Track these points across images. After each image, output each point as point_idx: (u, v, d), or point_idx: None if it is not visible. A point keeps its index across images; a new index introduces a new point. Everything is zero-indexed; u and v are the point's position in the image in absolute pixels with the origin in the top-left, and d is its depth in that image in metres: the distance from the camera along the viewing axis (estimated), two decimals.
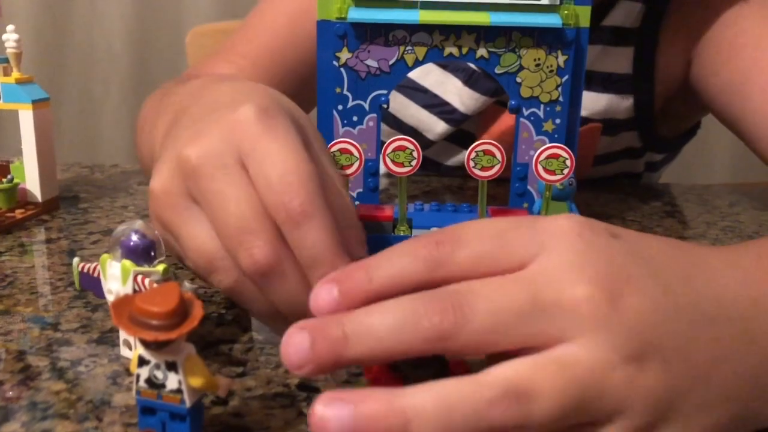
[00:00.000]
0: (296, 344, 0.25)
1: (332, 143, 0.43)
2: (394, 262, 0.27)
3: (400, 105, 0.74)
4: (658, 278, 0.26)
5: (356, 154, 0.43)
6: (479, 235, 0.27)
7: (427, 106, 0.73)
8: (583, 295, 0.25)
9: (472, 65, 0.70)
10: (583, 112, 0.70)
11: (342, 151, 0.43)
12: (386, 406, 0.23)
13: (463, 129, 0.73)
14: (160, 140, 0.41)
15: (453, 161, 0.76)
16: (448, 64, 0.71)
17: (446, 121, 0.71)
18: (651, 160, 0.78)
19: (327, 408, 0.23)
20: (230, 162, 0.32)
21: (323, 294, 0.27)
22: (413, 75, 0.72)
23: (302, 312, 0.29)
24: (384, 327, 0.25)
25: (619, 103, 0.69)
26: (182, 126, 0.37)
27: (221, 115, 0.34)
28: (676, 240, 0.30)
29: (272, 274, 0.31)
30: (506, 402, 0.23)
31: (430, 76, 0.72)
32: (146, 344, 0.26)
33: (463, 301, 0.25)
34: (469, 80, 0.70)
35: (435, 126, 0.72)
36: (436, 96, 0.72)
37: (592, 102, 0.69)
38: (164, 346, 0.26)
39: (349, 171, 0.43)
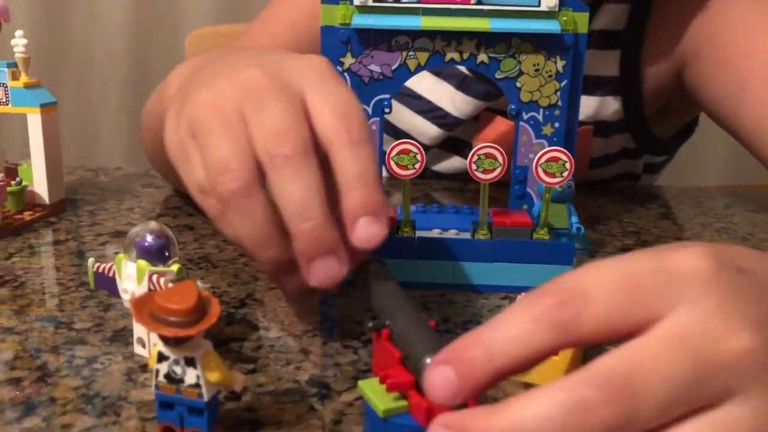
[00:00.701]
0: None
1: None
2: (513, 333, 0.24)
3: (395, 111, 0.75)
4: None
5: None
6: (605, 288, 0.24)
7: (421, 112, 0.74)
8: (742, 347, 0.22)
9: (464, 70, 0.71)
10: None
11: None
12: None
13: (455, 136, 0.74)
14: (173, 95, 0.42)
15: (444, 167, 0.77)
16: (441, 71, 0.73)
17: (439, 125, 0.73)
18: (650, 162, 0.79)
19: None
20: (230, 110, 0.34)
21: (438, 379, 0.24)
22: (408, 83, 0.73)
23: (265, 243, 0.32)
24: (551, 425, 0.22)
25: (609, 106, 0.70)
26: (194, 80, 0.39)
27: (231, 71, 0.36)
28: None
29: (240, 208, 0.33)
30: None
31: (423, 83, 0.73)
32: (166, 340, 0.27)
33: (630, 386, 0.22)
34: (461, 84, 0.71)
35: (428, 130, 0.73)
36: (429, 102, 0.73)
37: (582, 105, 0.70)
38: (183, 342, 0.27)
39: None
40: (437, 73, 0.73)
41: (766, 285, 0.25)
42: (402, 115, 0.75)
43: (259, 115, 0.33)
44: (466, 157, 0.52)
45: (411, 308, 0.32)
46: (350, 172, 0.33)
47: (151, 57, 1.71)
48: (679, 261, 0.24)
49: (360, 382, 0.30)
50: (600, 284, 0.24)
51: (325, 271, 0.33)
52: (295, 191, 0.32)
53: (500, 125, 0.71)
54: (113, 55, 1.69)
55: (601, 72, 0.69)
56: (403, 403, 0.29)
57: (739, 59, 0.62)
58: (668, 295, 0.23)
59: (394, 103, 0.77)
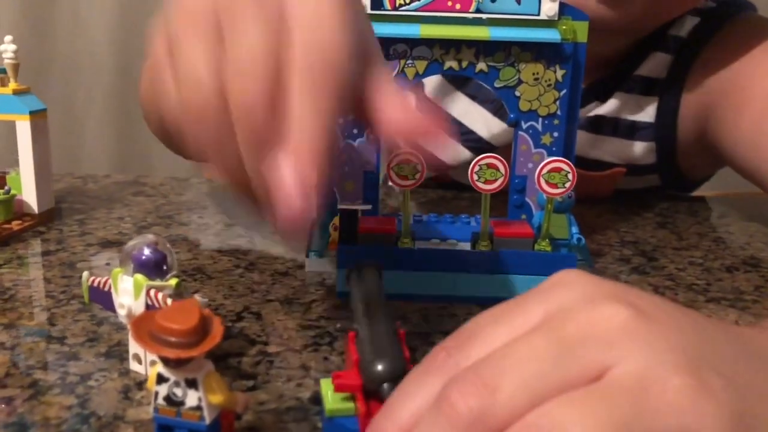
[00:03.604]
0: None
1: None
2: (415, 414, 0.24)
3: None
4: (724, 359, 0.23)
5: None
6: (529, 367, 0.23)
7: (453, 134, 0.73)
8: (681, 384, 0.21)
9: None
10: (609, 158, 0.73)
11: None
12: None
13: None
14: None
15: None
16: (477, 95, 0.72)
17: (471, 149, 0.72)
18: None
19: None
20: (202, 21, 0.30)
21: None
22: (439, 103, 0.73)
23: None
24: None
25: (643, 150, 0.72)
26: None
27: None
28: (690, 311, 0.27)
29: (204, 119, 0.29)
30: None
31: (456, 105, 0.73)
32: (167, 362, 0.27)
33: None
34: (499, 111, 0.71)
35: (459, 153, 0.72)
36: (461, 125, 0.72)
37: (618, 149, 0.72)
38: (185, 363, 0.26)
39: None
40: (473, 97, 0.72)
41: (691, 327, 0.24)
42: None
43: (232, 36, 0.30)
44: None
45: (379, 314, 0.33)
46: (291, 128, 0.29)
47: (137, 62, 1.69)
48: (594, 314, 0.24)
49: (322, 380, 0.30)
50: (523, 363, 0.23)
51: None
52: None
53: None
54: (98, 61, 1.68)
55: (639, 117, 0.71)
56: (350, 405, 0.29)
57: (755, 103, 0.63)
58: (606, 359, 0.22)
59: None
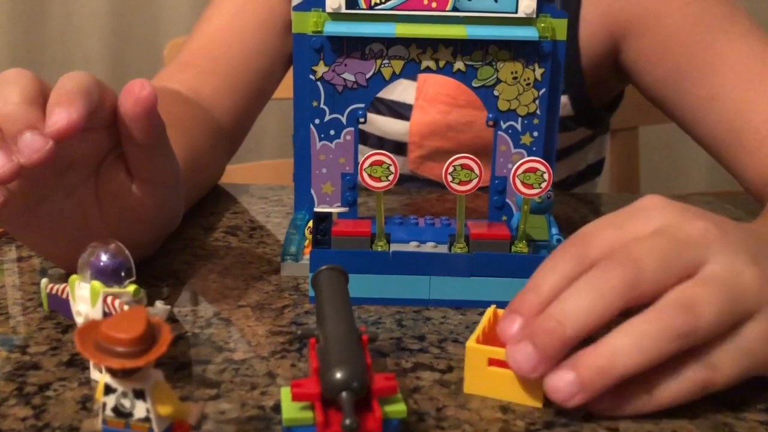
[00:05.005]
0: (521, 353, 0.32)
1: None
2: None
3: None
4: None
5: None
6: (662, 253, 0.33)
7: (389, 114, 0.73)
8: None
9: None
10: None
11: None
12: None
13: (396, 99, 0.74)
14: None
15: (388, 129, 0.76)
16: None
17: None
18: (583, 138, 0.78)
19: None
20: None
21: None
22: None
23: None
24: (585, 302, 0.31)
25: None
26: None
27: None
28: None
29: None
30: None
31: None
32: (113, 372, 0.26)
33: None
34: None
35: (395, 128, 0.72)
36: (399, 102, 0.72)
37: None
38: (131, 373, 0.25)
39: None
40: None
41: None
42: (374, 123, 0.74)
43: None
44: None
45: (342, 319, 0.32)
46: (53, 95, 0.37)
47: (130, 66, 1.69)
48: (685, 228, 0.34)
49: (282, 389, 0.30)
50: (646, 250, 0.33)
51: (28, 144, 0.35)
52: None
53: (437, 78, 0.69)
54: (91, 65, 1.67)
55: None
56: (309, 414, 0.28)
57: (679, 47, 0.63)
58: (700, 251, 0.33)
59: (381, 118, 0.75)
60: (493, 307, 0.37)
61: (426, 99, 0.71)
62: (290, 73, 0.58)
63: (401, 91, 0.73)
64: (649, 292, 0.32)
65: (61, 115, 0.35)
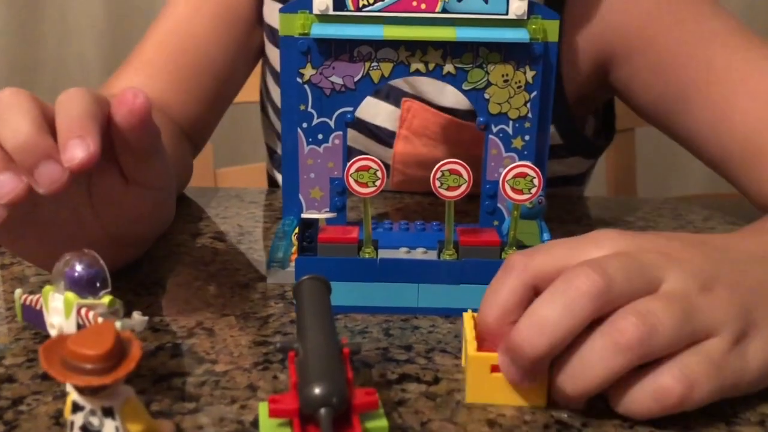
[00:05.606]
0: (504, 366, 0.33)
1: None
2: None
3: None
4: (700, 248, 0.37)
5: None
6: (627, 268, 0.33)
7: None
8: (714, 298, 0.34)
9: None
10: None
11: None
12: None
13: (378, 124, 0.69)
14: None
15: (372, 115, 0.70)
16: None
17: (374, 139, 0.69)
18: (586, 169, 0.76)
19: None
20: None
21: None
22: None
23: None
24: (553, 312, 0.32)
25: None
26: None
27: None
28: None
29: None
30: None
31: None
32: (80, 389, 0.25)
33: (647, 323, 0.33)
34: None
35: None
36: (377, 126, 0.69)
37: None
38: (99, 391, 0.24)
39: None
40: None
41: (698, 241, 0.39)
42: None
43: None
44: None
45: (323, 332, 0.31)
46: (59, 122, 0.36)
47: None
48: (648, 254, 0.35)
49: (260, 404, 0.29)
50: (623, 273, 0.33)
51: (47, 176, 0.34)
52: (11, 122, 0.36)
53: (424, 113, 0.66)
54: (87, 67, 1.66)
55: None
56: (287, 431, 0.28)
57: (677, 67, 0.60)
58: (659, 272, 0.34)
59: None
60: (469, 312, 0.37)
61: (411, 130, 0.67)
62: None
63: (384, 117, 0.68)
64: (614, 304, 0.33)
65: (80, 148, 0.34)
